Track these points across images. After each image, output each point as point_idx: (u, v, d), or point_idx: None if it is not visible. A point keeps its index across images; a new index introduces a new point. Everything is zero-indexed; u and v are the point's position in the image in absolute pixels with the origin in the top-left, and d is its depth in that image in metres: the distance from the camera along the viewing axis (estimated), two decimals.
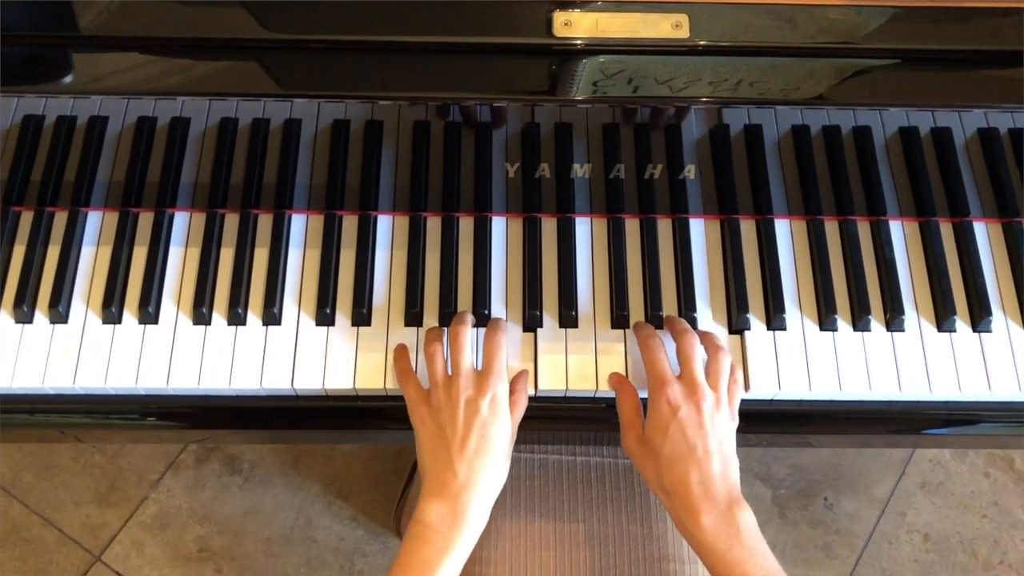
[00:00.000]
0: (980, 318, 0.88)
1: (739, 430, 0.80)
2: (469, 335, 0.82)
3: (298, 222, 0.92)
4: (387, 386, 0.85)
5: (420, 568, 0.74)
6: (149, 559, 1.59)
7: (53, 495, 1.62)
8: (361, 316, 0.87)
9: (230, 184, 0.90)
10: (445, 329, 0.86)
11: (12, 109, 0.86)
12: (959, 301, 0.89)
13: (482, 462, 0.77)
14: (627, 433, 0.81)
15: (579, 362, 0.86)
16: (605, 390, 0.85)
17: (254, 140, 0.89)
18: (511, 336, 0.87)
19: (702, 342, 0.83)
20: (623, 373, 0.85)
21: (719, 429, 0.77)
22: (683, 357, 0.80)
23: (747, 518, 0.75)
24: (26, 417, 0.88)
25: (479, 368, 0.81)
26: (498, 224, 0.92)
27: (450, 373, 0.80)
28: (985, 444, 1.45)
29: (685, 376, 0.79)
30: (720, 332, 0.88)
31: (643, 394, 0.83)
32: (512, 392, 0.82)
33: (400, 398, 0.83)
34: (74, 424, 0.90)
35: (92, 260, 0.90)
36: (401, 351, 0.85)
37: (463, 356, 0.81)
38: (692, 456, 0.76)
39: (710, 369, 0.80)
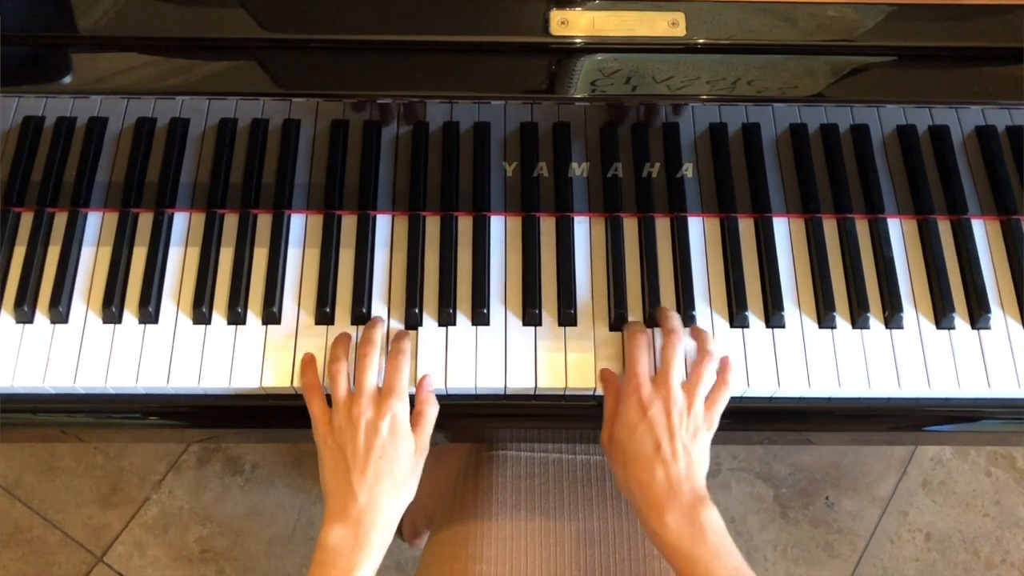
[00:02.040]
0: (979, 315, 0.88)
1: (740, 428, 0.81)
2: (376, 357, 0.82)
3: (297, 222, 0.92)
4: None
5: None
6: (151, 560, 1.59)
7: (55, 496, 1.63)
8: (360, 315, 0.87)
9: (229, 184, 0.91)
10: (355, 338, 0.86)
11: (12, 110, 0.87)
12: (958, 298, 0.89)
13: (382, 485, 0.77)
14: (604, 430, 0.82)
15: (578, 360, 0.86)
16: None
17: (253, 140, 0.89)
18: (510, 334, 0.87)
19: (695, 340, 0.83)
20: (618, 372, 0.85)
21: (687, 433, 0.77)
22: (663, 358, 0.80)
23: (712, 517, 0.75)
24: (29, 416, 0.88)
25: (381, 386, 0.81)
26: (497, 223, 0.92)
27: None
28: (986, 441, 1.45)
29: (660, 378, 0.79)
30: (720, 327, 0.88)
31: None
32: (417, 403, 0.82)
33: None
34: (76, 424, 0.90)
35: (92, 260, 0.90)
36: (308, 363, 0.84)
37: (366, 376, 0.80)
38: (657, 456, 0.76)
39: (692, 373, 0.81)
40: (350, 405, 0.79)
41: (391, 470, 0.78)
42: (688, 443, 0.77)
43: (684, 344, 0.82)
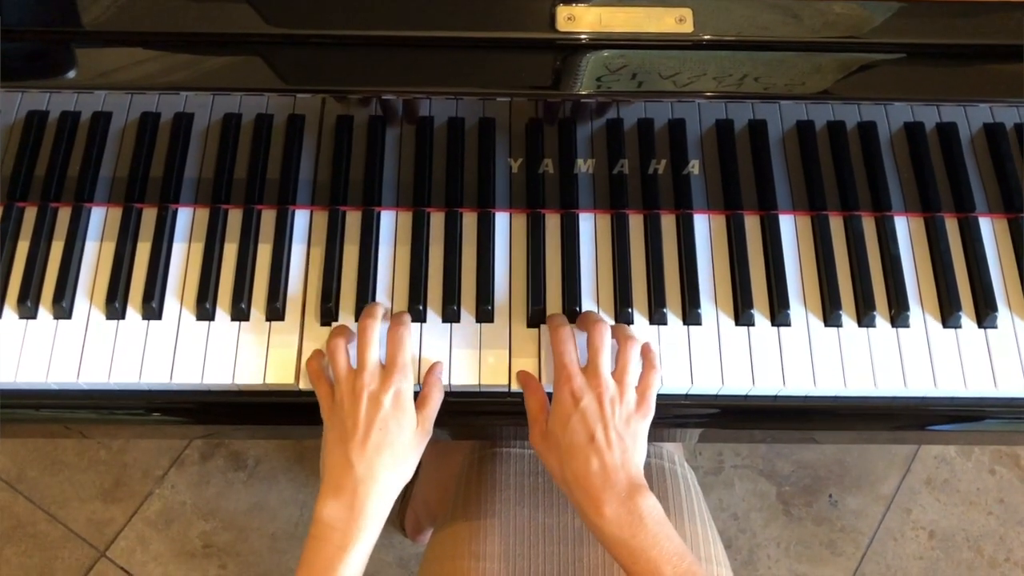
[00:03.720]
0: (986, 314, 0.88)
1: (744, 427, 0.80)
2: (377, 330, 0.81)
3: (302, 217, 0.92)
4: None
5: (322, 568, 0.74)
6: (154, 555, 1.59)
7: (58, 491, 1.63)
8: None
9: (233, 179, 0.90)
10: (352, 326, 0.86)
11: (16, 105, 0.86)
12: (964, 297, 0.89)
13: (382, 458, 0.76)
14: (532, 428, 0.81)
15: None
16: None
17: (257, 136, 0.88)
18: (515, 332, 0.87)
19: (614, 334, 0.83)
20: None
21: (620, 421, 0.77)
22: (591, 348, 0.80)
23: (650, 504, 0.74)
24: (32, 412, 0.88)
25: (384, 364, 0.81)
26: (502, 220, 0.92)
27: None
28: (990, 440, 1.45)
29: (590, 368, 0.79)
30: (726, 325, 0.88)
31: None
32: (425, 386, 0.82)
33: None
34: (80, 419, 0.90)
35: (96, 256, 0.90)
36: (314, 355, 0.84)
37: (369, 351, 0.80)
38: (591, 446, 0.75)
39: (618, 361, 0.80)
40: (352, 379, 0.79)
41: (392, 443, 0.77)
42: (622, 430, 0.77)
43: (609, 333, 0.81)
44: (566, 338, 0.81)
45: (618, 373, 0.80)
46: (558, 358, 0.80)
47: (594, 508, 0.75)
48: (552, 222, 0.92)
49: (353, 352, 0.82)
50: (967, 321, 0.88)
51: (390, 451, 0.77)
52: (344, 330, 0.84)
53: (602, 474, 0.75)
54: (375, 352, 0.81)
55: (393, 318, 0.84)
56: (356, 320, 0.87)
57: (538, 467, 1.00)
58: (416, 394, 0.82)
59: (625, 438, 0.77)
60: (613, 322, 0.87)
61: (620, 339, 0.82)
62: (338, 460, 0.77)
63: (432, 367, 0.84)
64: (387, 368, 0.80)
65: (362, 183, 0.90)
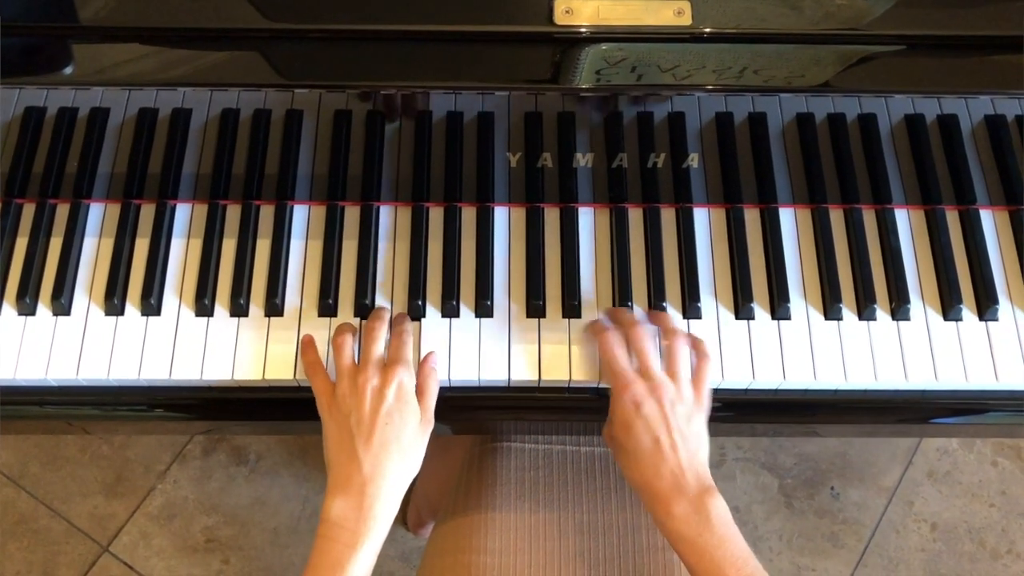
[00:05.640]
0: (987, 307, 0.87)
1: (745, 420, 0.80)
2: (384, 330, 0.82)
3: (300, 213, 0.91)
4: None
5: (330, 568, 0.74)
6: (156, 550, 1.60)
7: (61, 486, 1.63)
8: (363, 307, 0.87)
9: (232, 175, 0.90)
10: (357, 322, 0.86)
11: (14, 101, 0.86)
12: (965, 290, 0.89)
13: (389, 453, 0.76)
14: (605, 426, 0.82)
15: (582, 353, 0.85)
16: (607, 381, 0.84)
17: (255, 131, 0.88)
18: (514, 326, 0.87)
19: (657, 324, 0.82)
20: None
21: (683, 420, 0.77)
22: (637, 351, 0.80)
23: (718, 505, 0.75)
24: (35, 409, 0.88)
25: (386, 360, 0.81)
26: (500, 214, 0.92)
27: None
28: (993, 433, 1.45)
29: (642, 371, 0.79)
30: (726, 319, 0.87)
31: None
32: (420, 376, 0.82)
33: None
34: (83, 416, 0.90)
35: (94, 252, 0.90)
36: (309, 344, 0.84)
37: (373, 347, 0.80)
38: (658, 451, 0.76)
39: (668, 357, 0.80)
40: (355, 374, 0.79)
41: (398, 437, 0.77)
42: (685, 430, 0.77)
43: (649, 332, 0.81)
44: (614, 343, 0.80)
45: (670, 369, 0.79)
46: (608, 365, 0.80)
47: (663, 509, 0.75)
48: (551, 216, 0.91)
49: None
50: (968, 314, 0.88)
51: (396, 445, 0.77)
52: (352, 327, 0.84)
53: (671, 478, 0.75)
54: (379, 348, 0.81)
55: (395, 323, 0.85)
56: (355, 315, 0.87)
57: (538, 461, 1.00)
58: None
59: (689, 438, 0.77)
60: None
61: (666, 332, 0.82)
62: (344, 457, 0.77)
63: (426, 357, 0.84)
64: (389, 362, 0.80)
65: (361, 178, 0.90)
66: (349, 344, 0.81)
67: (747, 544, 0.75)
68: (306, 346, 0.85)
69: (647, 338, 0.80)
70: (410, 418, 0.78)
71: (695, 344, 0.82)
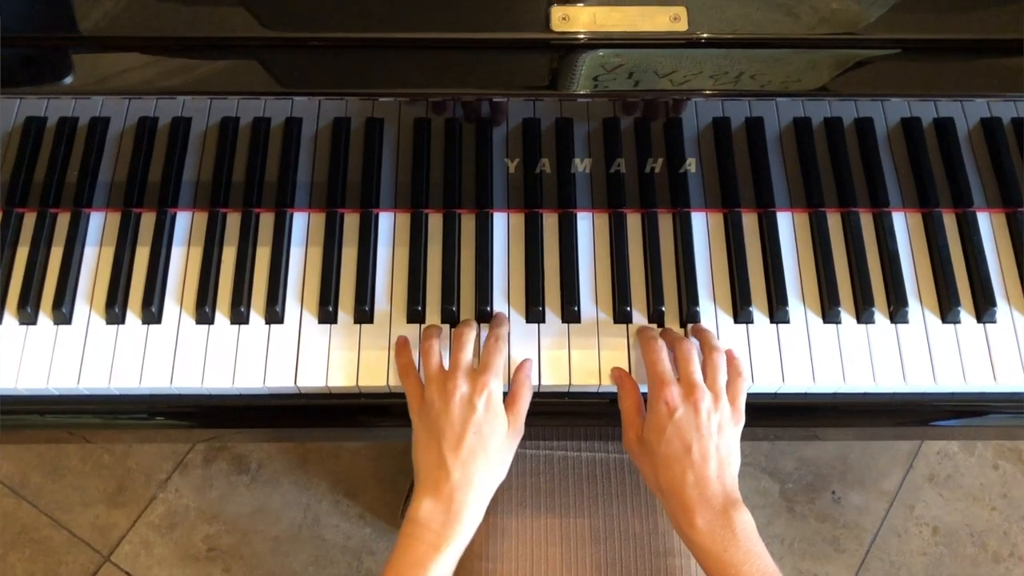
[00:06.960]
0: (984, 309, 0.88)
1: (745, 424, 0.80)
2: (473, 336, 0.82)
3: (300, 220, 0.92)
4: (390, 383, 0.85)
5: (412, 566, 0.74)
6: (158, 559, 1.59)
7: (62, 496, 1.63)
8: (363, 313, 0.87)
9: (232, 183, 0.90)
10: (445, 327, 0.86)
11: (14, 111, 0.87)
12: (963, 292, 0.89)
13: (476, 462, 0.76)
14: (627, 431, 0.81)
15: (582, 357, 0.86)
16: (608, 385, 0.85)
17: (255, 139, 0.88)
18: (514, 331, 0.87)
19: (698, 338, 0.82)
20: (626, 368, 0.85)
21: (716, 431, 0.77)
22: (681, 359, 0.80)
23: (744, 520, 0.74)
24: (36, 418, 0.88)
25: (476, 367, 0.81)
26: (499, 220, 0.92)
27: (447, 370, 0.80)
28: (993, 435, 1.45)
29: (683, 377, 0.79)
30: (724, 323, 0.88)
31: (644, 388, 0.83)
32: (514, 384, 0.82)
33: (403, 395, 0.83)
34: (84, 425, 0.90)
35: (95, 261, 0.90)
36: (403, 346, 0.85)
37: (464, 353, 0.80)
38: (688, 458, 0.75)
39: (706, 367, 0.80)
40: (444, 380, 0.79)
41: (485, 447, 0.77)
42: (718, 441, 0.76)
43: (696, 347, 0.82)
44: (659, 347, 0.81)
45: (709, 380, 0.79)
46: (651, 367, 0.80)
47: (687, 519, 0.75)
48: (550, 222, 0.92)
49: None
50: (966, 316, 0.88)
51: (484, 455, 0.77)
52: (439, 331, 0.84)
53: (698, 487, 0.75)
54: (469, 355, 0.81)
55: (493, 320, 0.85)
56: (355, 322, 0.87)
57: (543, 467, 1.00)
58: (504, 395, 0.81)
59: (721, 449, 0.77)
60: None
61: (706, 347, 0.82)
62: (433, 461, 0.77)
63: (521, 365, 0.84)
64: (480, 369, 0.80)
65: (360, 185, 0.90)
66: (436, 349, 0.81)
67: (771, 559, 0.74)
68: (400, 348, 0.85)
69: (692, 351, 0.80)
70: (498, 427, 0.78)
71: (730, 359, 0.82)
